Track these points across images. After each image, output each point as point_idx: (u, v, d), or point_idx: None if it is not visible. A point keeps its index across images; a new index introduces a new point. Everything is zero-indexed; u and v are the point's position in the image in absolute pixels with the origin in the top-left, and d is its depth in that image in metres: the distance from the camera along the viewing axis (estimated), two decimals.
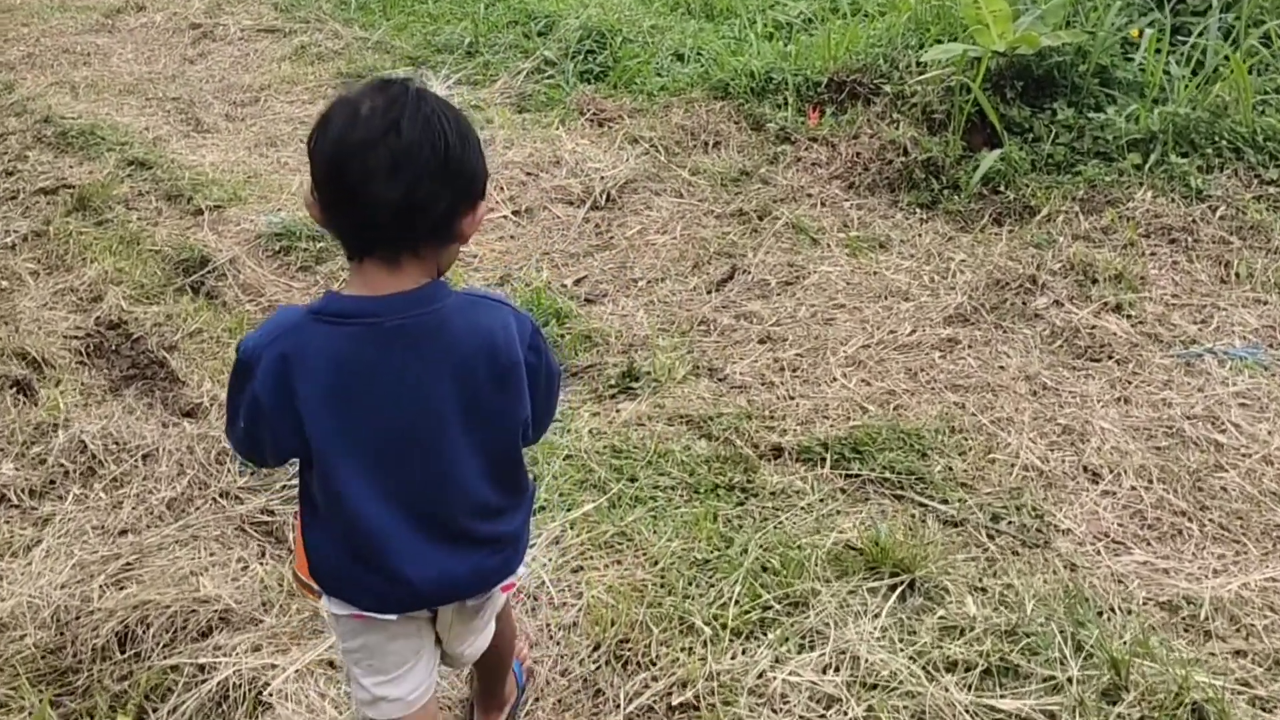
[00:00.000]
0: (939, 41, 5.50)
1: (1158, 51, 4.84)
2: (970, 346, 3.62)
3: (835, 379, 3.51)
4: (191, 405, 3.63)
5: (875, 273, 4.22)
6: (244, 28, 8.02)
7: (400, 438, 1.63)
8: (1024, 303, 3.81)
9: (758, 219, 4.76)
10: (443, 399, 1.62)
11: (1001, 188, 4.59)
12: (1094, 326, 3.64)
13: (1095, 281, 3.88)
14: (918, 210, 4.68)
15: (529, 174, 5.29)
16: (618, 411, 3.38)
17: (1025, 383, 3.41)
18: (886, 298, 4.00)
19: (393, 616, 1.74)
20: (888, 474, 2.98)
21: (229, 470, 3.29)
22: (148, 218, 5.08)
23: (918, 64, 5.41)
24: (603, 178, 5.17)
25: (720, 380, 3.56)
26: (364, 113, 1.52)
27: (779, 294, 4.17)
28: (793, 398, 3.42)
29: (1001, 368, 3.50)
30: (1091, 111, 4.77)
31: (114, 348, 4.05)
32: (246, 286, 4.52)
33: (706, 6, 7.74)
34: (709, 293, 4.26)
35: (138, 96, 6.74)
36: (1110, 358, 3.51)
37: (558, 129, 5.79)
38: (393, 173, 1.49)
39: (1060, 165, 4.63)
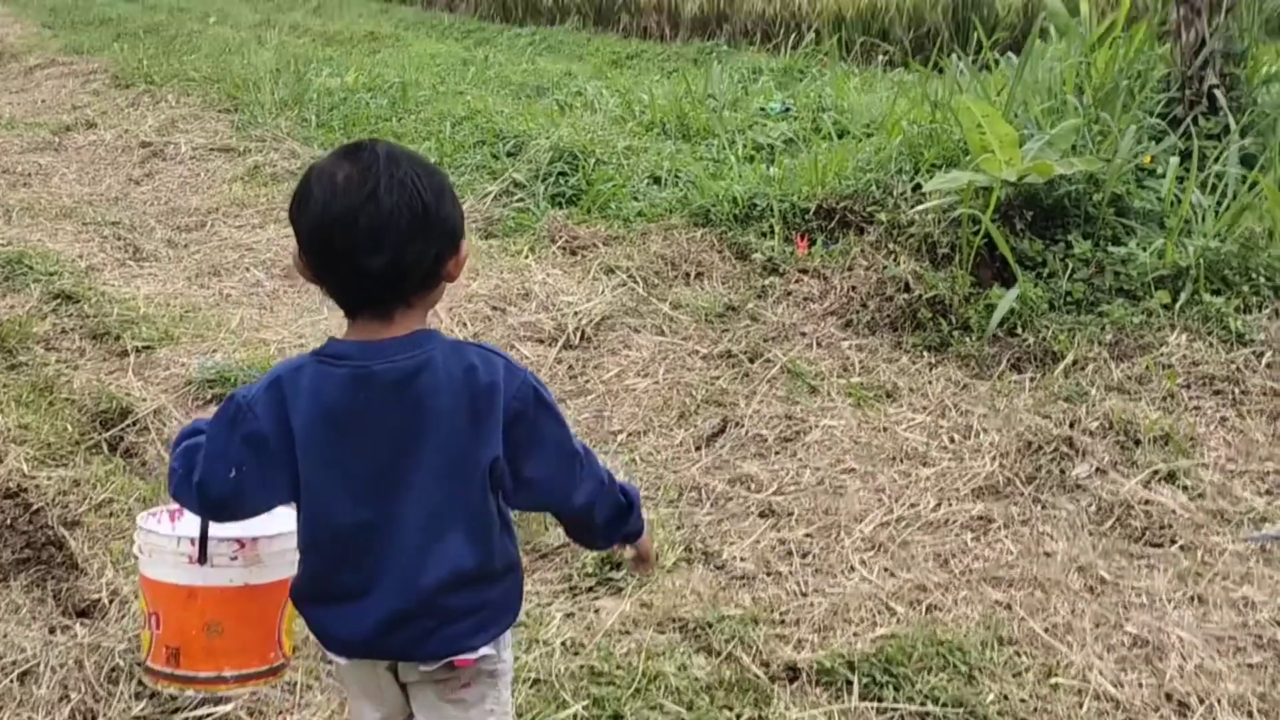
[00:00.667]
0: (935, 167, 5.07)
1: (1179, 180, 4.42)
2: (1006, 526, 3.07)
3: (853, 567, 2.94)
4: (88, 602, 3.00)
5: (885, 428, 3.68)
6: (196, 146, 7.54)
7: (386, 481, 1.63)
8: (1061, 470, 3.28)
9: (748, 361, 4.23)
10: (426, 446, 1.62)
11: (1018, 329, 4.10)
12: (1147, 502, 3.11)
13: (1139, 443, 3.36)
14: (925, 353, 4.18)
15: (495, 308, 4.76)
16: (596, 613, 2.79)
17: (1078, 575, 2.85)
18: (902, 460, 3.46)
19: (343, 661, 1.72)
20: (930, 706, 2.39)
21: (123, 693, 2.65)
22: (68, 360, 4.49)
23: (914, 190, 4.97)
24: (576, 313, 4.64)
25: (718, 568, 2.98)
26: (340, 182, 1.54)
27: (778, 452, 3.62)
28: (805, 593, 2.84)
29: (1047, 554, 2.95)
30: (1110, 244, 4.32)
31: (8, 522, 3.42)
32: (171, 443, 3.92)
33: (682, 127, 7.35)
34: (698, 449, 3.70)
35: (75, 221, 6.19)
36: (1173, 542, 2.97)
37: (527, 257, 5.29)
38: (376, 242, 1.53)
39: (1081, 304, 4.15)
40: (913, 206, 4.88)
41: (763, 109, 7.46)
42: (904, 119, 5.94)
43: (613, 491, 1.76)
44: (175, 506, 2.00)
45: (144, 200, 6.61)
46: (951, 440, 3.53)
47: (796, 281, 4.79)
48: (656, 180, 6.23)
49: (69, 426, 3.92)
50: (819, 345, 4.34)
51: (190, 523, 1.86)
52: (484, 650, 1.68)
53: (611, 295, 4.84)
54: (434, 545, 1.64)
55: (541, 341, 4.50)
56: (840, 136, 6.61)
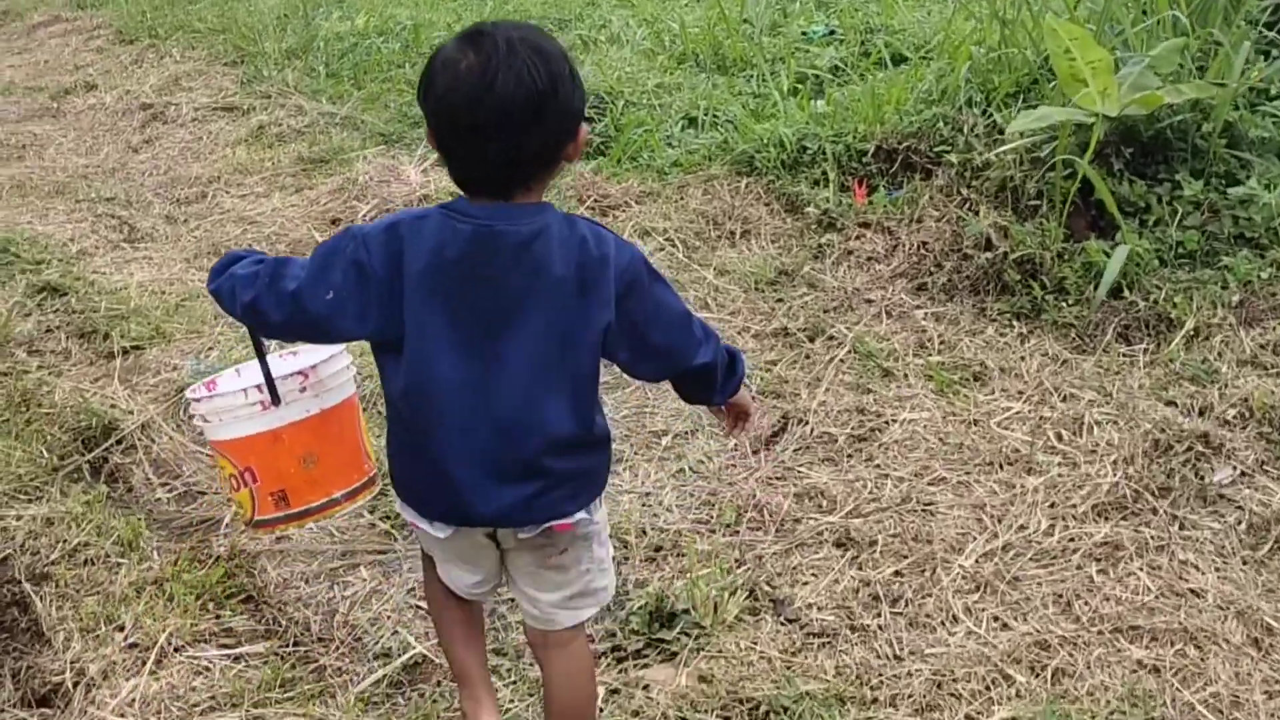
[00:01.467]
0: (1011, 98, 4.40)
1: None
2: (1140, 554, 2.50)
3: (956, 617, 2.39)
4: (50, 685, 2.53)
5: (976, 421, 3.11)
6: (199, 107, 6.98)
7: (492, 338, 1.64)
8: (1199, 476, 2.69)
9: (808, 340, 3.65)
10: (536, 309, 1.64)
11: (1124, 290, 3.48)
12: None
13: None
14: (1015, 322, 3.57)
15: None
16: (645, 689, 2.27)
17: (1237, 622, 2.29)
18: (1001, 466, 2.89)
19: (441, 534, 1.74)
20: None
21: None
22: (51, 364, 4.00)
23: (988, 126, 4.32)
24: None
25: (790, 621, 2.44)
26: (462, 71, 1.58)
27: (850, 456, 3.06)
28: (900, 656, 2.30)
29: (1195, 593, 2.38)
30: (1225, 184, 3.67)
31: None
32: (160, 464, 3.44)
33: (717, 58, 6.67)
34: (755, 453, 3.16)
35: (68, 198, 5.67)
36: None
37: None
38: (495, 130, 1.57)
39: (1196, 258, 3.52)
40: (987, 145, 4.24)
41: (804, 33, 6.75)
42: (968, 41, 5.25)
43: (720, 345, 1.83)
44: (208, 379, 2.09)
45: (142, 170, 6.08)
46: (1059, 438, 2.95)
47: (857, 238, 4.18)
48: (692, 122, 5.60)
49: (45, 451, 3.44)
50: (889, 315, 3.75)
51: (234, 383, 1.92)
52: (579, 515, 1.73)
53: None
54: (536, 409, 1.66)
55: None
56: (895, 63, 5.91)
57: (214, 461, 2.27)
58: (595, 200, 4.78)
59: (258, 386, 1.89)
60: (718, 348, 1.82)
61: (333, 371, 1.94)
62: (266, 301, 1.66)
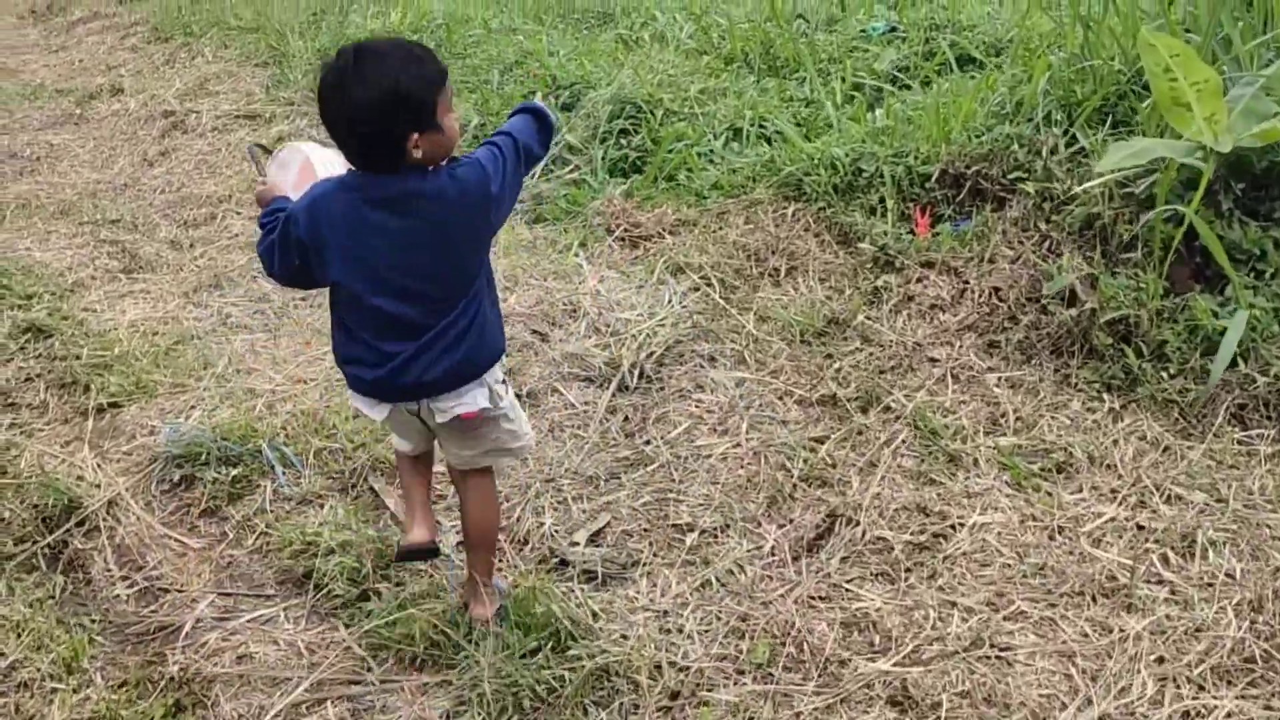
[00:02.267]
0: (1099, 117, 3.80)
1: None
2: None
3: None
4: None
5: (1061, 529, 2.56)
6: (220, 114, 6.58)
7: (392, 273, 2.11)
8: None
9: (860, 411, 3.12)
10: (419, 245, 2.11)
11: (1237, 359, 2.90)
12: None
13: None
14: (1105, 395, 3.01)
15: (535, 332, 3.71)
16: None
17: None
18: (1095, 598, 2.35)
19: (380, 412, 2.30)
20: None
21: None
22: (24, 422, 3.60)
23: (1071, 152, 3.73)
24: (635, 338, 3.58)
25: None
26: (324, 82, 2.06)
27: (909, 571, 2.53)
28: None
29: None
30: None
31: None
32: (123, 551, 3.02)
33: (768, 58, 6.11)
34: (796, 559, 2.64)
35: (72, 220, 5.30)
36: None
37: (577, 254, 4.21)
38: (345, 128, 2.05)
39: None
40: (1069, 172, 3.65)
41: (863, 29, 6.16)
42: (1047, 45, 4.64)
43: (528, 137, 2.26)
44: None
45: (154, 187, 5.69)
46: (1166, 561, 2.40)
47: (919, 280, 3.63)
48: (737, 134, 5.06)
49: (3, 534, 3.04)
50: (955, 380, 3.20)
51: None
52: (482, 403, 2.25)
53: (680, 307, 3.75)
54: (437, 331, 2.16)
55: (590, 381, 3.45)
56: (962, 65, 5.31)
57: None
58: (625, 231, 4.27)
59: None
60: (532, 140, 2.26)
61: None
62: (271, 272, 2.26)
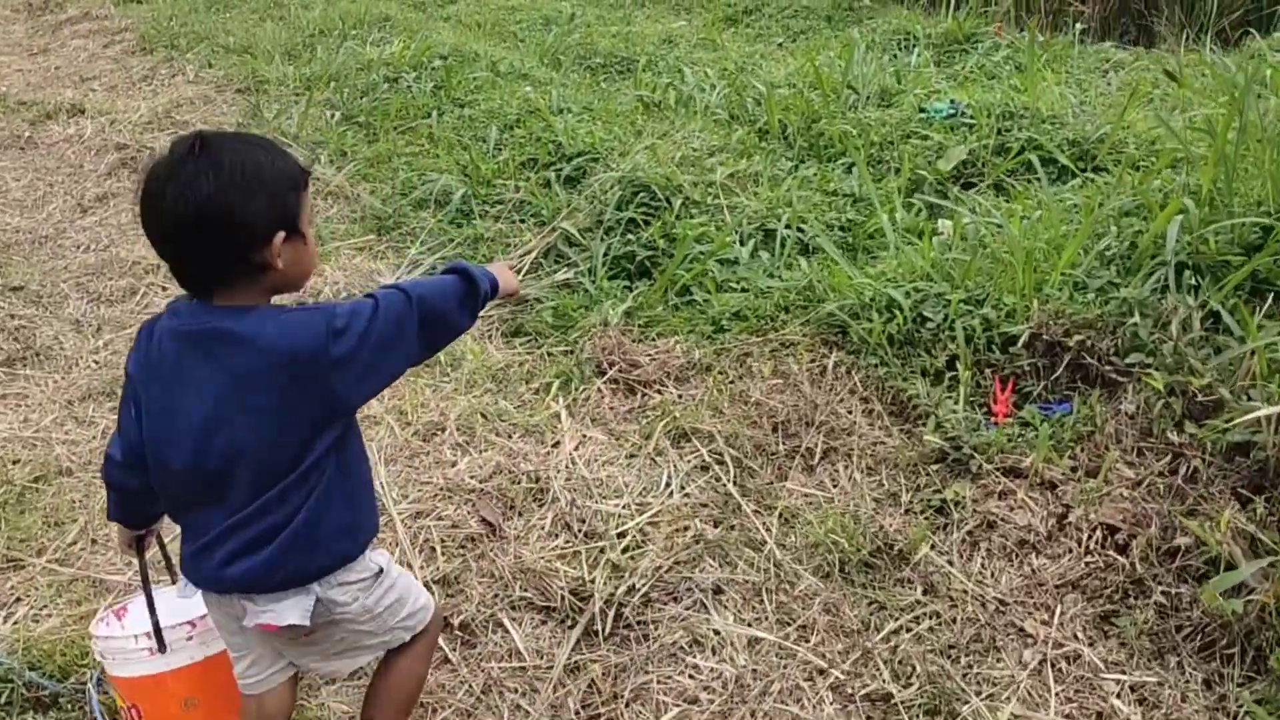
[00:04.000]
0: (1251, 280, 2.84)
1: None
2: None
3: None
4: None
5: None
6: None
7: (189, 425, 1.65)
8: None
9: (923, 714, 2.16)
10: (224, 400, 1.63)
11: None
12: None
13: None
14: None
15: (485, 522, 2.76)
16: None
17: None
18: None
19: (193, 593, 1.78)
20: None
21: None
22: None
23: (1207, 328, 2.77)
24: (617, 545, 2.62)
25: None
26: (152, 176, 1.60)
27: None
28: None
29: None
30: None
31: None
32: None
33: (810, 135, 5.16)
34: None
35: None
36: None
37: (556, 400, 3.26)
38: (169, 237, 1.60)
39: None
40: (1206, 358, 2.69)
41: (922, 109, 5.21)
42: (1164, 165, 3.69)
43: (422, 297, 1.75)
44: (120, 605, 2.09)
45: (78, 244, 4.76)
46: None
47: (1001, 496, 2.66)
48: (769, 236, 4.11)
49: None
50: (1057, 673, 2.23)
51: (140, 619, 1.95)
52: (291, 619, 1.72)
53: (681, 497, 2.80)
54: (244, 516, 1.68)
55: (550, 616, 2.49)
56: (1046, 167, 4.36)
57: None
58: (621, 371, 3.32)
59: (146, 634, 1.91)
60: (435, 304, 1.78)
61: None
62: (112, 449, 1.79)
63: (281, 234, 1.61)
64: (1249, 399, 2.54)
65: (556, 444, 3.03)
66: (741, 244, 4.07)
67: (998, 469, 2.72)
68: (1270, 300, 2.81)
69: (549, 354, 3.54)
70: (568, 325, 3.68)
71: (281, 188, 1.62)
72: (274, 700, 1.86)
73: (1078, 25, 6.46)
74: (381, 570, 1.81)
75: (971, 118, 4.98)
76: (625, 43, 7.51)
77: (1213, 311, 2.85)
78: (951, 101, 5.20)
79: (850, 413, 3.05)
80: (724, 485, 2.84)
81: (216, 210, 1.55)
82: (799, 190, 4.46)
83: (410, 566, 2.60)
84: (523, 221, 4.43)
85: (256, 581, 1.70)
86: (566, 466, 2.93)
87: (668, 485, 2.85)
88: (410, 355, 1.74)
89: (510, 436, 3.07)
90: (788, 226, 4.09)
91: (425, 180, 4.87)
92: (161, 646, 1.91)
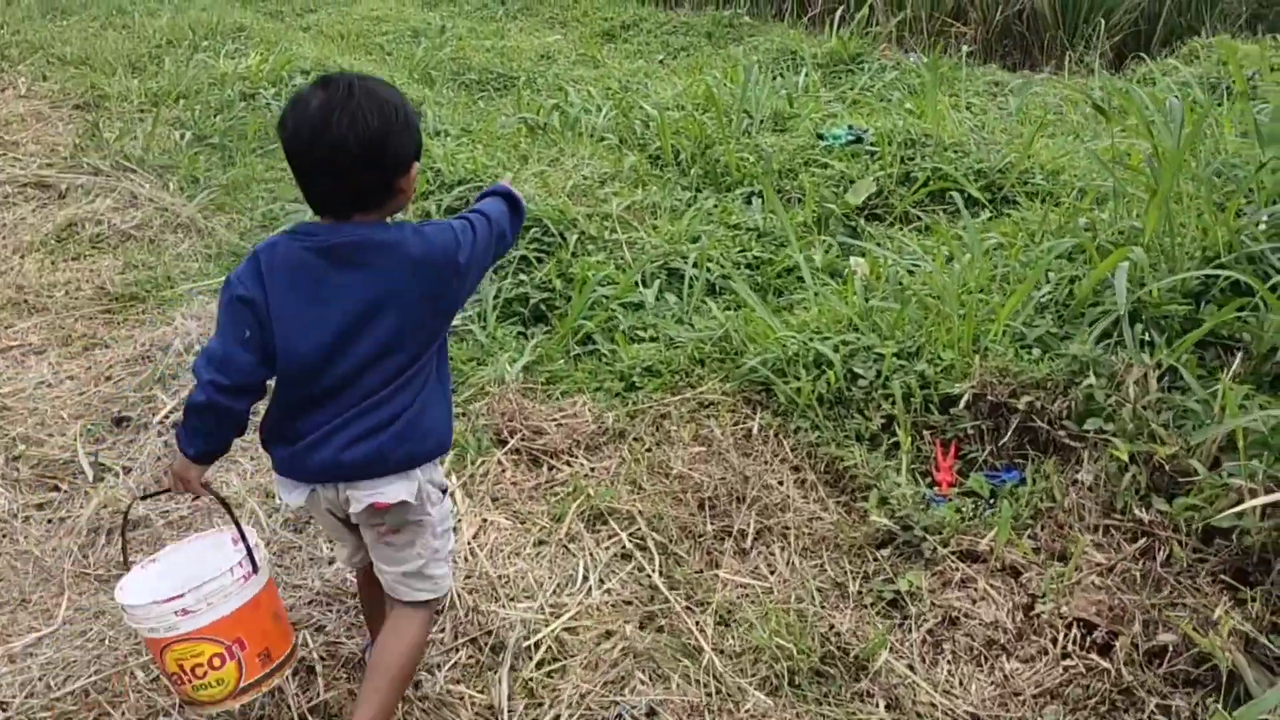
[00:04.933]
0: (1192, 304, 2.61)
1: None
2: None
3: None
4: None
5: None
6: (7, 180, 4.98)
7: (335, 331, 1.76)
8: None
9: None
10: (370, 303, 1.76)
11: None
12: None
13: None
14: None
15: (355, 625, 2.33)
16: None
17: None
18: None
19: (298, 497, 1.89)
20: None
21: None
22: None
23: (1164, 391, 2.54)
24: (529, 660, 2.22)
25: None
26: (307, 112, 1.71)
27: None
28: None
29: None
30: None
31: None
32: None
33: (706, 161, 4.83)
34: None
35: None
36: None
37: (450, 477, 2.83)
38: (329, 164, 1.71)
39: None
40: (1171, 425, 2.45)
41: (820, 135, 4.94)
42: (1093, 185, 3.49)
43: (502, 220, 1.99)
44: (120, 585, 1.98)
45: None
46: None
47: (961, 584, 2.36)
48: (674, 275, 3.77)
49: None
50: None
51: (173, 566, 1.99)
52: (402, 496, 1.85)
53: (601, 594, 2.41)
54: (370, 404, 1.80)
55: None
56: (941, 198, 4.13)
57: (166, 659, 1.89)
58: (523, 440, 2.91)
59: (239, 563, 1.91)
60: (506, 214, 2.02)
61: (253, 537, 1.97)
62: (218, 374, 1.77)
63: (416, 164, 1.79)
64: (1222, 474, 2.30)
65: (453, 531, 2.60)
66: (645, 285, 3.71)
67: (953, 553, 2.42)
68: (1216, 353, 2.59)
69: None
70: (458, 381, 3.25)
71: (416, 124, 1.78)
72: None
73: (964, 48, 6.32)
74: (446, 488, 1.99)
75: (873, 145, 4.73)
76: (501, 58, 7.08)
77: (1173, 370, 2.61)
78: (850, 127, 4.95)
79: (782, 484, 2.72)
80: (649, 577, 2.47)
81: (380, 142, 1.70)
82: (701, 224, 4.14)
83: (282, 692, 2.15)
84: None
85: (371, 465, 1.82)
86: (466, 560, 2.51)
87: (585, 580, 2.46)
88: (485, 268, 1.95)
89: None
90: (695, 265, 3.75)
91: (290, 211, 4.36)
92: (255, 567, 1.93)
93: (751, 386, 3.01)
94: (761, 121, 5.27)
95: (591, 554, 2.52)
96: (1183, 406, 2.54)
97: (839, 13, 7.22)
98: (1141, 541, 2.32)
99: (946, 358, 2.87)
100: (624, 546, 2.55)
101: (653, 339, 3.38)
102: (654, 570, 2.48)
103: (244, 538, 1.94)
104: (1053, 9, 6.34)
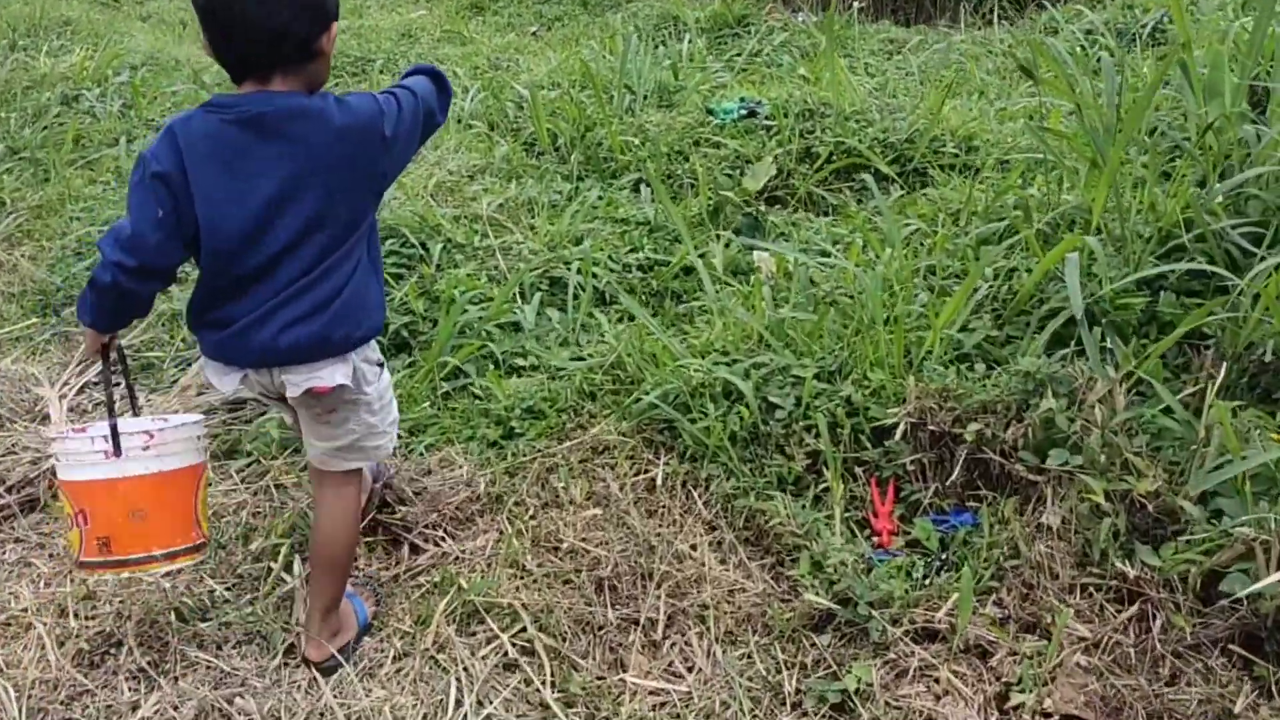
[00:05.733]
0: (1150, 296, 2.20)
1: None
2: None
3: None
4: None
5: None
6: None
7: (258, 205, 1.70)
8: None
9: None
10: (295, 176, 1.70)
11: None
12: None
13: None
14: None
15: None
16: None
17: None
18: None
19: (229, 383, 1.85)
20: None
21: None
22: None
23: (1133, 398, 2.11)
24: None
25: None
26: None
27: None
28: None
29: None
30: None
31: None
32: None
33: (587, 146, 4.29)
34: None
35: None
36: None
37: (288, 571, 2.27)
38: (255, 6, 1.64)
39: None
40: (1135, 435, 2.03)
41: (710, 110, 4.43)
42: (1020, 158, 3.06)
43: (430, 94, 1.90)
44: (81, 425, 2.07)
45: None
46: None
47: (920, 676, 1.90)
48: (556, 285, 3.24)
49: None
50: None
51: (99, 432, 1.88)
52: (339, 380, 1.82)
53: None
54: (298, 288, 1.75)
55: None
56: (850, 175, 3.68)
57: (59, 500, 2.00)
58: (379, 514, 2.36)
59: (104, 436, 1.87)
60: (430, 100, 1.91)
61: (180, 437, 1.91)
62: (124, 255, 1.68)
63: (335, 24, 1.74)
64: (1215, 515, 1.87)
65: (290, 650, 2.06)
66: (523, 299, 3.18)
67: (906, 633, 1.96)
68: (1180, 350, 2.17)
69: (276, 488, 2.53)
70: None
71: None
72: None
73: (855, 4, 5.85)
74: (382, 363, 1.95)
75: (768, 118, 4.24)
76: (358, 39, 6.40)
77: (1141, 383, 2.18)
78: (741, 100, 4.45)
79: (695, 550, 2.23)
80: (538, 692, 1.96)
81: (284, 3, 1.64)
82: (585, 221, 3.61)
83: None
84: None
85: (307, 350, 1.78)
86: (307, 690, 1.97)
87: (459, 704, 1.94)
88: (415, 143, 1.87)
89: (221, 648, 2.07)
90: (580, 273, 3.23)
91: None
92: (118, 450, 1.86)
93: (652, 425, 2.51)
94: (645, 97, 4.74)
95: (466, 667, 2.00)
96: (1155, 425, 2.11)
97: None
98: (1132, 608, 1.89)
99: (875, 378, 2.40)
100: (507, 653, 2.04)
101: (534, 367, 2.86)
102: (545, 682, 1.98)
103: (111, 414, 1.87)
104: None
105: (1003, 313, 2.56)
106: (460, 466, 2.48)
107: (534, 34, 6.88)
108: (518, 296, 3.17)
